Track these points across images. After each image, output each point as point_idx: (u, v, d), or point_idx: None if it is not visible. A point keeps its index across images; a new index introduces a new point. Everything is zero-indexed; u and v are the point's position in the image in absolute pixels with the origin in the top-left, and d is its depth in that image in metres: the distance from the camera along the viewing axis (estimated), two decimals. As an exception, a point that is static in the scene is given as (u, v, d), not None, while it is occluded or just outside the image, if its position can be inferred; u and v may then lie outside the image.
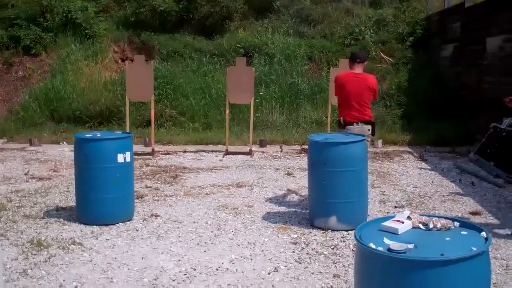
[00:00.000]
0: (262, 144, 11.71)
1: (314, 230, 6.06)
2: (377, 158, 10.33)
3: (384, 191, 7.92)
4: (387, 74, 14.90)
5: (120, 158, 6.32)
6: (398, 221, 3.07)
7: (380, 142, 11.57)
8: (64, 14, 16.23)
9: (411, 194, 7.80)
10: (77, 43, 15.99)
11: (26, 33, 16.08)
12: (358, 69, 6.98)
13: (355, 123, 6.81)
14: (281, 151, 11.19)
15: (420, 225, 3.08)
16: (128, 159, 6.41)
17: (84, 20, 16.31)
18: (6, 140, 12.61)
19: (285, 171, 9.25)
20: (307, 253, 5.38)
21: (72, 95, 14.17)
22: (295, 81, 14.59)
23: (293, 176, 8.89)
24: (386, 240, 2.85)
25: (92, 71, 15.14)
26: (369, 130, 6.86)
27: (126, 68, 12.03)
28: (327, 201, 6.02)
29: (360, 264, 2.91)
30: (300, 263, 5.14)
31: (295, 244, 5.65)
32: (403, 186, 8.28)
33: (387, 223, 3.04)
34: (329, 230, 6.00)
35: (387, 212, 6.77)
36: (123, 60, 16.15)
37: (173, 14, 16.48)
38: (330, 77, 11.20)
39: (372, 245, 2.77)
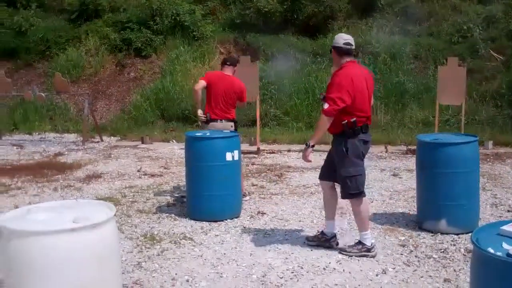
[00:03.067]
0: (366, 144, 11.56)
1: (423, 233, 5.94)
2: (488, 160, 9.94)
3: (496, 194, 7.61)
4: (497, 73, 14.27)
5: (228, 156, 6.50)
6: (517, 225, 2.96)
7: (490, 143, 11.12)
8: (173, 17, 16.86)
9: (525, 197, 7.46)
10: (185, 45, 16.55)
11: (137, 36, 16.85)
12: (228, 71, 7.40)
13: (218, 120, 7.20)
14: (386, 152, 11.03)
15: (542, 230, 2.96)
16: (236, 157, 6.60)
17: (192, 23, 16.86)
18: (119, 138, 13.27)
19: (390, 172, 9.12)
20: (415, 256, 5.28)
21: (181, 95, 14.69)
22: (401, 80, 14.33)
23: (399, 177, 8.74)
24: (505, 245, 2.75)
25: (200, 72, 15.57)
26: (231, 126, 7.24)
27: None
28: (437, 203, 5.88)
29: (477, 270, 2.83)
30: (408, 265, 5.06)
31: (403, 246, 5.57)
32: (517, 189, 7.93)
33: (506, 227, 2.93)
34: (439, 233, 5.85)
35: (499, 216, 6.52)
36: (233, 61, 16.49)
37: (277, 15, 16.66)
38: (438, 75, 10.91)
39: (491, 250, 2.69)
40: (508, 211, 6.82)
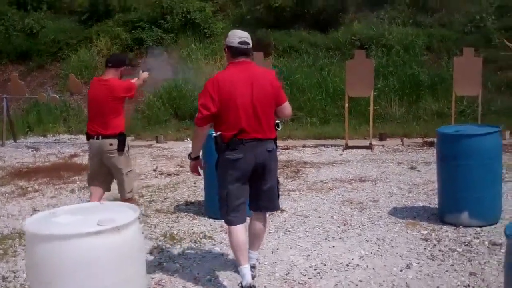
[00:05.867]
0: (382, 137, 11.51)
1: (445, 226, 5.86)
2: (506, 150, 9.78)
3: (517, 185, 7.50)
4: (512, 62, 14.12)
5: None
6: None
7: (507, 133, 10.98)
8: (183, 15, 16.88)
9: (546, 188, 7.35)
10: (196, 42, 16.55)
11: (149, 35, 16.89)
12: (109, 74, 5.96)
13: (95, 137, 5.86)
14: (402, 145, 10.95)
15: None
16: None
17: (202, 20, 16.88)
18: (134, 138, 13.28)
19: (408, 165, 9.03)
20: (439, 250, 5.21)
21: (193, 93, 14.64)
22: (414, 72, 14.22)
23: (418, 170, 8.66)
24: (539, 238, 2.70)
25: (212, 69, 15.55)
26: (111, 144, 5.80)
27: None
28: (458, 196, 5.79)
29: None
30: (433, 260, 4.99)
31: (426, 240, 5.50)
32: (538, 179, 7.82)
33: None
34: (461, 226, 5.77)
35: (522, 208, 6.42)
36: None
37: (288, 10, 16.60)
38: (454, 66, 10.81)
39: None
40: (530, 202, 6.72)
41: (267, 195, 4.58)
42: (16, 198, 8.12)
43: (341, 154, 10.35)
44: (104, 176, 6.04)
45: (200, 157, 4.71)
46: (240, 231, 4.44)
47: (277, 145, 4.66)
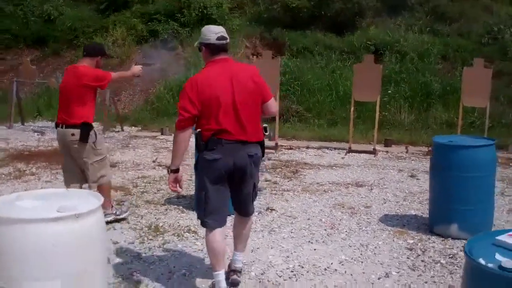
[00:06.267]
0: (387, 143, 11.36)
1: (433, 237, 5.75)
2: (511, 164, 9.65)
3: (515, 200, 7.36)
4: (528, 76, 13.90)
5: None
6: (515, 235, 2.79)
7: (513, 147, 10.80)
8: (200, 10, 16.86)
9: (546, 205, 7.19)
10: (211, 37, 16.46)
11: (164, 28, 16.89)
12: (83, 62, 5.86)
13: (60, 126, 5.78)
14: (406, 152, 10.80)
15: (543, 242, 2.77)
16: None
17: (219, 16, 16.85)
18: (140, 128, 13.28)
19: (408, 173, 8.90)
20: (422, 261, 5.10)
21: (204, 87, 14.60)
22: (427, 80, 14.06)
23: (417, 179, 8.52)
24: (498, 256, 2.58)
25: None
26: (73, 135, 5.69)
27: (254, 63, 12.17)
28: (449, 207, 5.68)
29: (468, 280, 2.67)
30: (413, 270, 4.89)
31: (411, 250, 5.39)
32: (538, 196, 7.66)
33: (502, 237, 2.76)
34: (449, 238, 5.66)
35: (515, 223, 6.29)
36: (254, 56, 16.45)
37: (305, 11, 16.51)
38: (463, 76, 10.65)
39: (482, 261, 2.53)
40: (526, 218, 6.57)
41: (241, 201, 4.44)
42: (12, 180, 8.16)
43: (343, 158, 10.24)
44: (73, 165, 5.96)
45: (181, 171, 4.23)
46: (218, 236, 4.23)
47: (265, 150, 4.44)
